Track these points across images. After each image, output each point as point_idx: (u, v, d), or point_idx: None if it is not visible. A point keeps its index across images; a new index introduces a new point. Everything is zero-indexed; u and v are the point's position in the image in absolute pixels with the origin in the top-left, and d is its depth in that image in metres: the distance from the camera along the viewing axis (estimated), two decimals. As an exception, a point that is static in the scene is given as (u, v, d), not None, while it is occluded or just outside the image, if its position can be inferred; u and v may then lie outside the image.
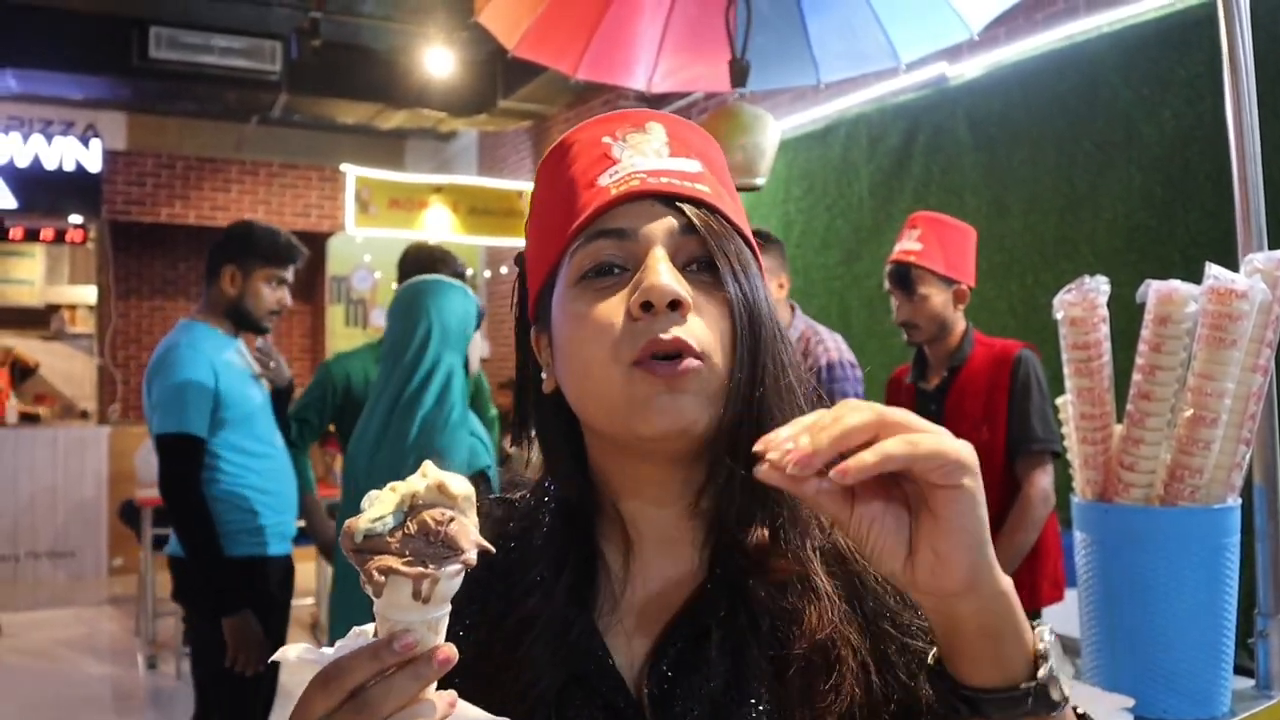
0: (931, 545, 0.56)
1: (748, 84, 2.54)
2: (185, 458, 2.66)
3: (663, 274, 0.68)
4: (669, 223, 0.71)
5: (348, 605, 2.48)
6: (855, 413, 0.54)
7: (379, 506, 0.60)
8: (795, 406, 0.73)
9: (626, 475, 0.76)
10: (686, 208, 0.72)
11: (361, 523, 0.59)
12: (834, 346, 2.94)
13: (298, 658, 0.62)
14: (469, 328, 2.60)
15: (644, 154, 0.74)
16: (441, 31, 6.27)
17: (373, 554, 0.58)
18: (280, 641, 2.93)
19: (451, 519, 0.59)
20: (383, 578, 0.57)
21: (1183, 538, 1.63)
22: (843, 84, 3.86)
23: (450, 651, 0.59)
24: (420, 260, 3.19)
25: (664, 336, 0.67)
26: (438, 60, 6.38)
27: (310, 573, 5.88)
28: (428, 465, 0.62)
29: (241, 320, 2.87)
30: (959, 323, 2.68)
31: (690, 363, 0.67)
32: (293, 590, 3.00)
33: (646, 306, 0.68)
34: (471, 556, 0.59)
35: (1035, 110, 3.55)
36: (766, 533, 0.73)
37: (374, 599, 0.59)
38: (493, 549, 0.61)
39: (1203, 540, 1.63)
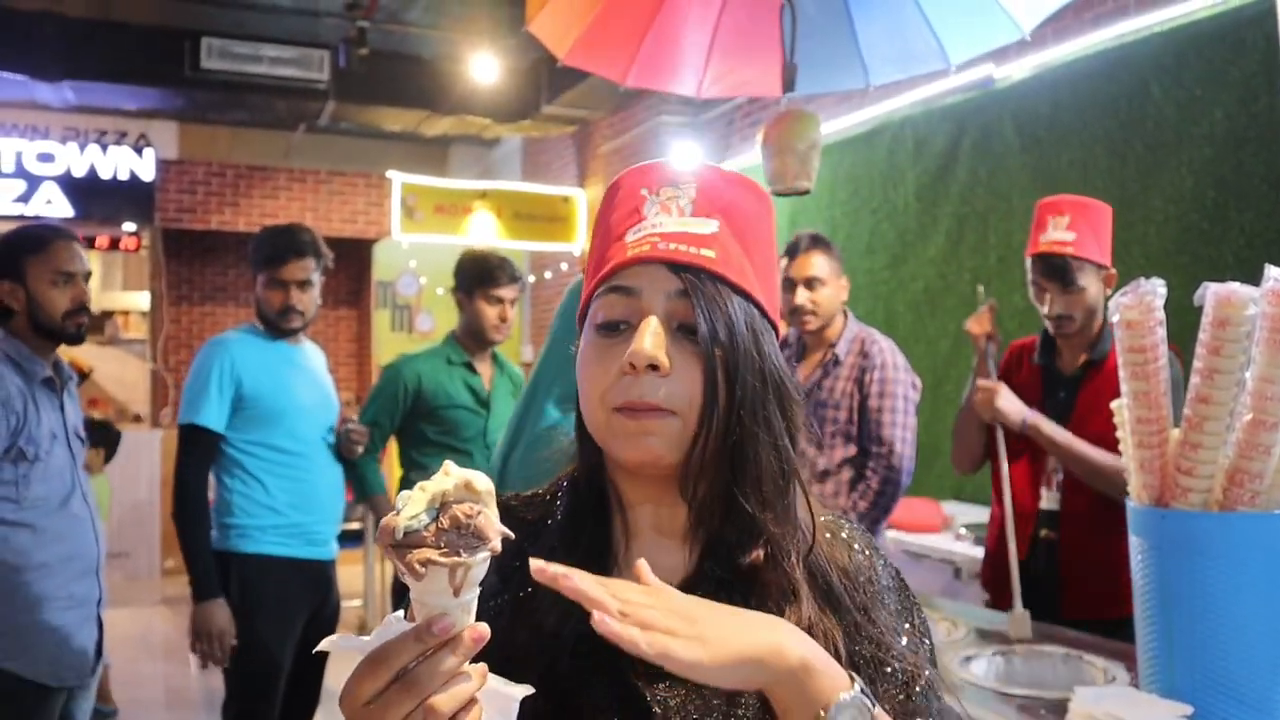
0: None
1: (795, 88, 2.54)
2: (190, 446, 2.79)
3: (646, 341, 0.81)
4: (668, 286, 0.84)
5: None
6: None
7: (413, 505, 0.67)
8: (772, 449, 0.85)
9: (627, 479, 0.90)
10: (684, 275, 0.83)
11: (401, 521, 0.66)
12: (888, 348, 2.98)
13: (341, 646, 0.70)
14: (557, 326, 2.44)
15: (669, 212, 0.86)
16: (486, 39, 6.33)
17: (410, 548, 0.66)
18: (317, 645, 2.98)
19: (479, 512, 0.68)
20: (423, 569, 0.65)
21: (1242, 544, 1.61)
22: (887, 87, 3.83)
23: (483, 630, 0.68)
24: (470, 264, 3.27)
25: (637, 399, 0.81)
26: (482, 67, 6.44)
27: (357, 575, 5.95)
28: (449, 464, 0.70)
29: (265, 324, 2.95)
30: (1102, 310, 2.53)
31: (656, 412, 0.81)
32: (330, 595, 3.02)
33: (631, 366, 0.81)
34: (497, 545, 0.68)
35: (1084, 111, 3.51)
36: (762, 554, 0.85)
37: (411, 587, 0.68)
38: (513, 535, 0.71)
39: (1262, 547, 1.61)
